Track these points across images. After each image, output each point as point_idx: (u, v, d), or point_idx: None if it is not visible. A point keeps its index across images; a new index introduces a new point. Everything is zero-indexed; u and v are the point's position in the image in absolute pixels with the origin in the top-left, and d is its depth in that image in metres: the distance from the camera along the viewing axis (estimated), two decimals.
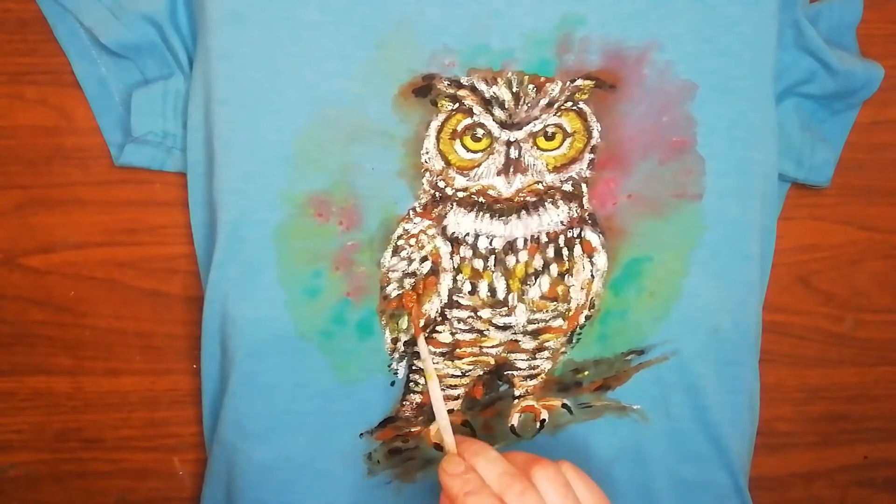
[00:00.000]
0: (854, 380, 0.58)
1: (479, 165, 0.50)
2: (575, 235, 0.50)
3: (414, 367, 0.51)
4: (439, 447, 0.52)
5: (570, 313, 0.51)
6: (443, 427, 0.45)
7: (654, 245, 0.51)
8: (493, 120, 0.49)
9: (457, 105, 0.49)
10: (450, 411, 0.52)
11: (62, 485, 0.54)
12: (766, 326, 0.54)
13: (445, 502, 0.41)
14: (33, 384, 0.54)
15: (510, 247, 0.50)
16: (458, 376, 0.52)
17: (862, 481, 0.59)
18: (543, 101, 0.49)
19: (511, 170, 0.49)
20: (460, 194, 0.50)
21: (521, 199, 0.50)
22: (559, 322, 0.51)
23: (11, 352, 0.53)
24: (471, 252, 0.50)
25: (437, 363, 0.51)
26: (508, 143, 0.49)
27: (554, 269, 0.50)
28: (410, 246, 0.50)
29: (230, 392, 0.50)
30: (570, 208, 0.50)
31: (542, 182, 0.50)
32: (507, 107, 0.49)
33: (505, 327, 0.50)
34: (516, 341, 0.51)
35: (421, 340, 0.49)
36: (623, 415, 0.53)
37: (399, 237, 0.50)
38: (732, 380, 0.52)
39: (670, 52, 0.50)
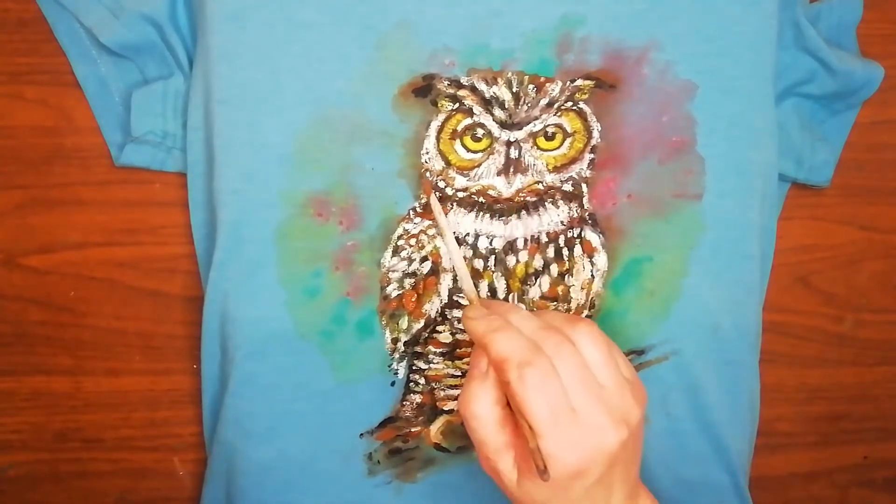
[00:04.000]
0: (854, 380, 0.58)
1: (479, 165, 0.50)
2: (575, 235, 0.50)
3: (414, 367, 0.51)
4: (439, 447, 0.52)
5: (571, 313, 0.51)
6: (462, 277, 0.44)
7: (654, 245, 0.51)
8: (493, 120, 0.49)
9: (457, 105, 0.49)
10: (449, 412, 0.52)
11: (62, 485, 0.54)
12: (766, 326, 0.54)
13: (476, 354, 0.39)
14: (33, 384, 0.54)
15: (510, 247, 0.50)
16: (458, 376, 0.52)
17: (862, 481, 0.59)
18: (543, 101, 0.49)
19: (511, 170, 0.49)
20: (460, 194, 0.50)
21: (521, 199, 0.50)
22: None
23: (11, 352, 0.53)
24: (471, 252, 0.50)
25: (438, 363, 0.51)
26: (508, 143, 0.49)
27: (554, 269, 0.50)
28: (410, 246, 0.50)
29: (230, 392, 0.50)
30: (570, 208, 0.50)
31: (542, 182, 0.50)
32: (507, 107, 0.49)
33: None
34: None
35: (433, 199, 0.49)
36: None
37: (399, 237, 0.50)
38: (732, 380, 0.52)
39: (670, 52, 0.50)
